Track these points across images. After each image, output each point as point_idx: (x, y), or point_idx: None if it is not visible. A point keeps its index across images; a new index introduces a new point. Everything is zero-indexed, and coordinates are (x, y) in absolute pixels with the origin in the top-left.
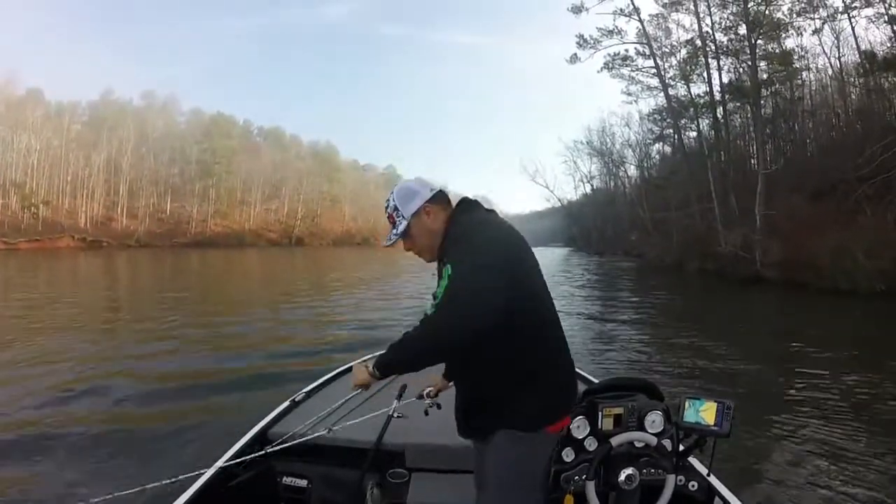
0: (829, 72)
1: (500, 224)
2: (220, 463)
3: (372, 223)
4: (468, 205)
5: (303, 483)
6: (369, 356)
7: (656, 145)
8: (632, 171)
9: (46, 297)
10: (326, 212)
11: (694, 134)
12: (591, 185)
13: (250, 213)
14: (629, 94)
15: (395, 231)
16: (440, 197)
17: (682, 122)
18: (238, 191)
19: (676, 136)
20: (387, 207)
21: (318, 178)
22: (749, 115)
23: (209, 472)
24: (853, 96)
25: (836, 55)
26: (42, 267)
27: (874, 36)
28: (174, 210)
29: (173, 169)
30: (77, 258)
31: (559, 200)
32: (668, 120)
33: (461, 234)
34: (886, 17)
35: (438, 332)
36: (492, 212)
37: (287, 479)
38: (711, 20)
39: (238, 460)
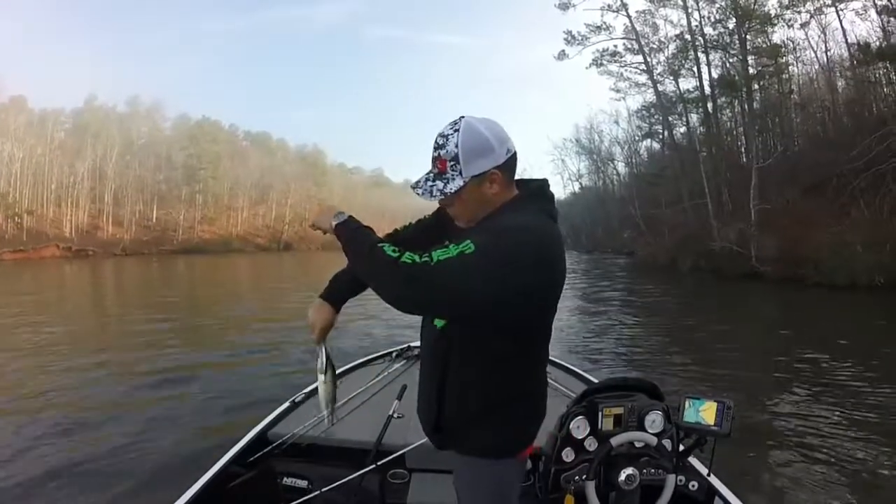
0: (816, 66)
1: (556, 242)
2: (220, 464)
3: None
4: (537, 198)
5: (303, 484)
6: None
7: (644, 142)
8: (620, 168)
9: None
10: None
11: (683, 130)
12: (580, 184)
13: (238, 219)
14: (617, 91)
15: (441, 185)
16: (512, 164)
17: (672, 117)
18: (225, 196)
19: (666, 132)
20: (439, 147)
21: (306, 183)
22: (739, 110)
23: (209, 473)
24: (840, 89)
25: (823, 49)
26: (27, 278)
27: (860, 30)
28: (160, 217)
29: (159, 175)
30: (62, 268)
31: None
32: (657, 116)
33: (512, 229)
34: (878, 8)
35: (386, 280)
36: (552, 213)
37: (287, 480)
38: (699, 14)
39: (238, 461)
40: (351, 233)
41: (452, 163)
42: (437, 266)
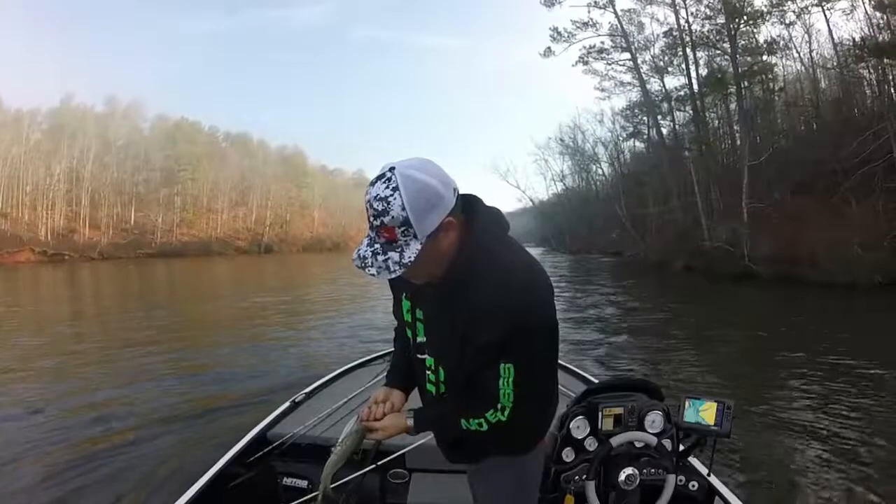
0: (800, 65)
1: (537, 264)
2: (220, 464)
3: (342, 228)
4: (491, 219)
5: (303, 484)
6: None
7: (628, 142)
8: (604, 168)
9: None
10: (295, 218)
11: (669, 128)
12: (563, 184)
13: (217, 221)
14: (602, 90)
15: (396, 257)
16: (458, 202)
17: (659, 116)
18: (204, 198)
19: (654, 131)
20: (381, 213)
21: (287, 184)
22: (727, 108)
23: (210, 473)
24: (823, 86)
25: (808, 49)
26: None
27: (842, 31)
28: (139, 220)
29: (137, 177)
30: (37, 273)
31: (531, 200)
32: (641, 117)
33: (511, 282)
34: (873, 3)
35: (503, 439)
36: (507, 225)
37: (287, 480)
38: (687, 11)
39: (238, 461)
40: (432, 427)
41: (403, 228)
42: (519, 393)
